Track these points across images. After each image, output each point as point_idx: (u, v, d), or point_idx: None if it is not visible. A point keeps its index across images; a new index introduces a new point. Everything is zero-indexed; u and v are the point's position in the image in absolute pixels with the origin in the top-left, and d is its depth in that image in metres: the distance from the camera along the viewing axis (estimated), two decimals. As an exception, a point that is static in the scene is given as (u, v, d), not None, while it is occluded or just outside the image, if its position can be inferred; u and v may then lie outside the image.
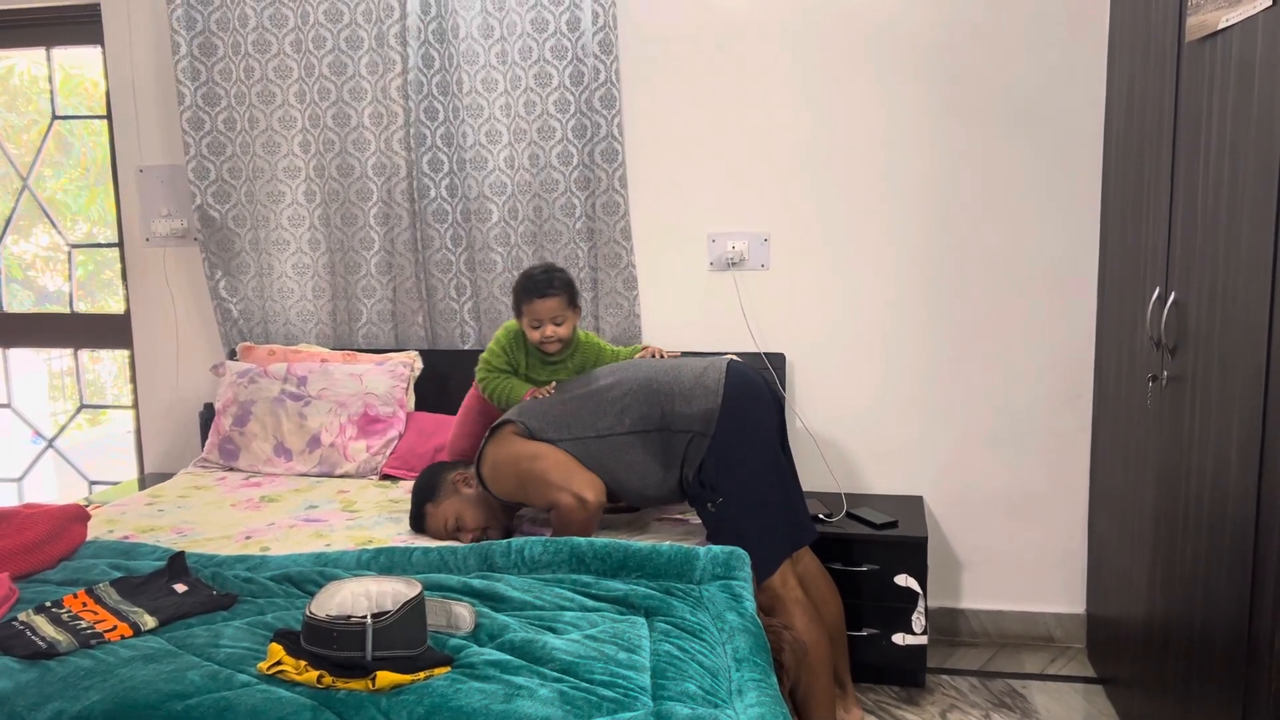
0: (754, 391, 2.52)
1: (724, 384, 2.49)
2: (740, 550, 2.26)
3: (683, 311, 3.45)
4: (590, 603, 2.03)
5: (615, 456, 2.51)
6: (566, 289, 2.68)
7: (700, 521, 2.57)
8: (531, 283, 2.66)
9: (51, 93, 3.96)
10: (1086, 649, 3.29)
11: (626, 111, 3.37)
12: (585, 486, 2.41)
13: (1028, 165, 3.19)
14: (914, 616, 2.98)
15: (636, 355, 2.85)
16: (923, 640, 2.99)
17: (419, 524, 2.65)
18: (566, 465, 2.46)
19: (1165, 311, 2.33)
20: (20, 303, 4.21)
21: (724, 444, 2.44)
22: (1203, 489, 2.13)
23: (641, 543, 2.28)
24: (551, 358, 2.75)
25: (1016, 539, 3.34)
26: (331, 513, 2.87)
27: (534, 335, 2.68)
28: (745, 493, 2.45)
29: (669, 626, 1.91)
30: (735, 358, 2.66)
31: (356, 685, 1.67)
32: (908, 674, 3.05)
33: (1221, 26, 2.00)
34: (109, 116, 3.79)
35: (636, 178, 3.41)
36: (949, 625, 3.42)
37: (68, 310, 4.11)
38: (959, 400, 3.33)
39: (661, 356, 2.82)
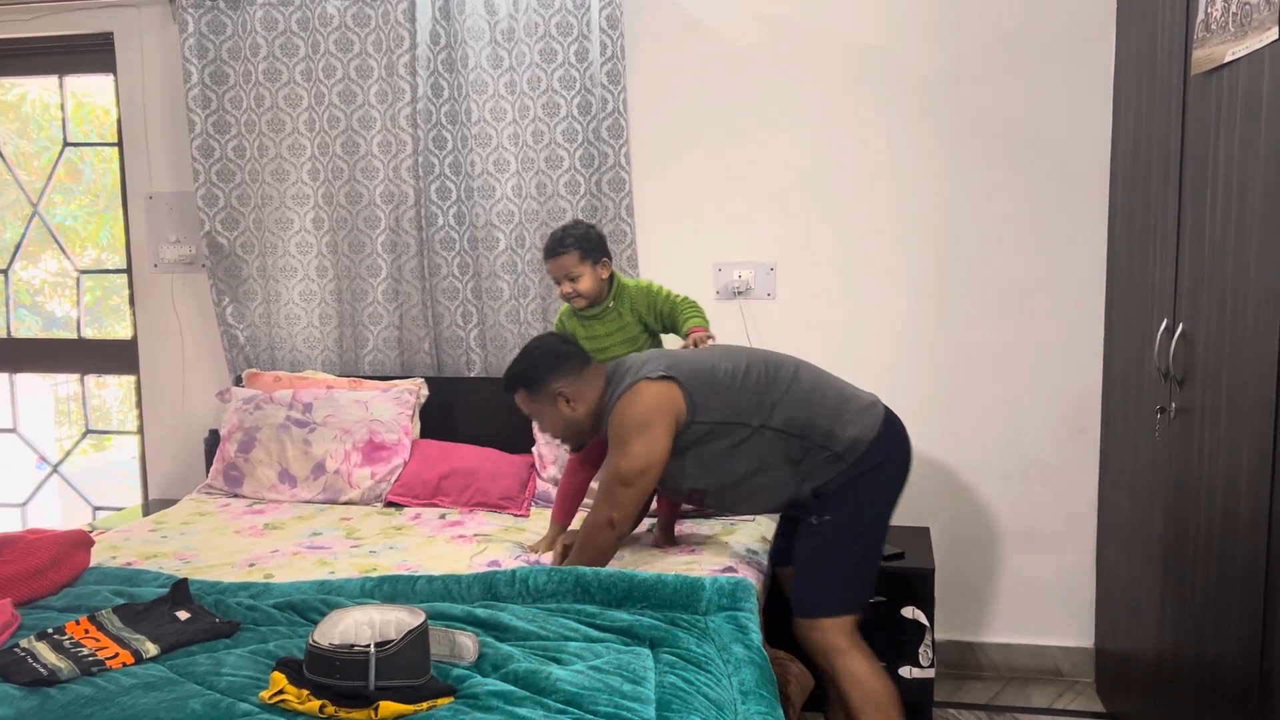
0: (902, 445, 2.46)
1: (882, 422, 2.41)
2: (746, 581, 2.24)
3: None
4: (595, 633, 2.02)
5: (750, 447, 2.38)
6: (579, 244, 2.73)
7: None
8: (547, 244, 2.77)
9: (63, 120, 3.99)
10: (1095, 683, 3.26)
11: (633, 141, 3.38)
12: (627, 518, 2.37)
13: (1034, 197, 3.20)
14: (921, 649, 2.96)
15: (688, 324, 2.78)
16: (930, 674, 2.96)
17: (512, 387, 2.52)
18: (644, 485, 2.36)
19: (1173, 343, 2.32)
20: (28, 328, 4.22)
21: (857, 475, 2.35)
22: (1212, 521, 2.12)
23: (647, 573, 2.26)
24: (585, 312, 2.77)
25: (1024, 571, 3.32)
26: (335, 540, 2.86)
27: (558, 292, 2.77)
28: (853, 525, 2.38)
29: (674, 658, 1.90)
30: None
31: (359, 715, 1.65)
32: (915, 708, 3.02)
33: (1228, 60, 2.01)
34: (120, 143, 3.81)
35: (643, 207, 3.42)
36: (956, 659, 3.39)
37: (75, 336, 4.12)
38: (966, 431, 3.32)
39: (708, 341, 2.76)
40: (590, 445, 2.67)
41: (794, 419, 2.36)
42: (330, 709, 1.66)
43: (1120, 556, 2.94)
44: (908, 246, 3.29)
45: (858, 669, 2.34)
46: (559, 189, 3.40)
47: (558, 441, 2.67)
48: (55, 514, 4.32)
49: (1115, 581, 3.01)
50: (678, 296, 2.83)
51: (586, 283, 2.73)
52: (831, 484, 2.35)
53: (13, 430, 4.25)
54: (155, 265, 3.82)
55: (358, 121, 3.49)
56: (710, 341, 2.68)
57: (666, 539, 2.78)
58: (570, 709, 1.67)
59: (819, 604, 2.37)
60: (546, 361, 2.47)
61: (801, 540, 2.43)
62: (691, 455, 2.39)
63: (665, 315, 2.81)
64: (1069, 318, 3.21)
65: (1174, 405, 2.35)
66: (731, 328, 3.40)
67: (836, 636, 2.35)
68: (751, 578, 2.37)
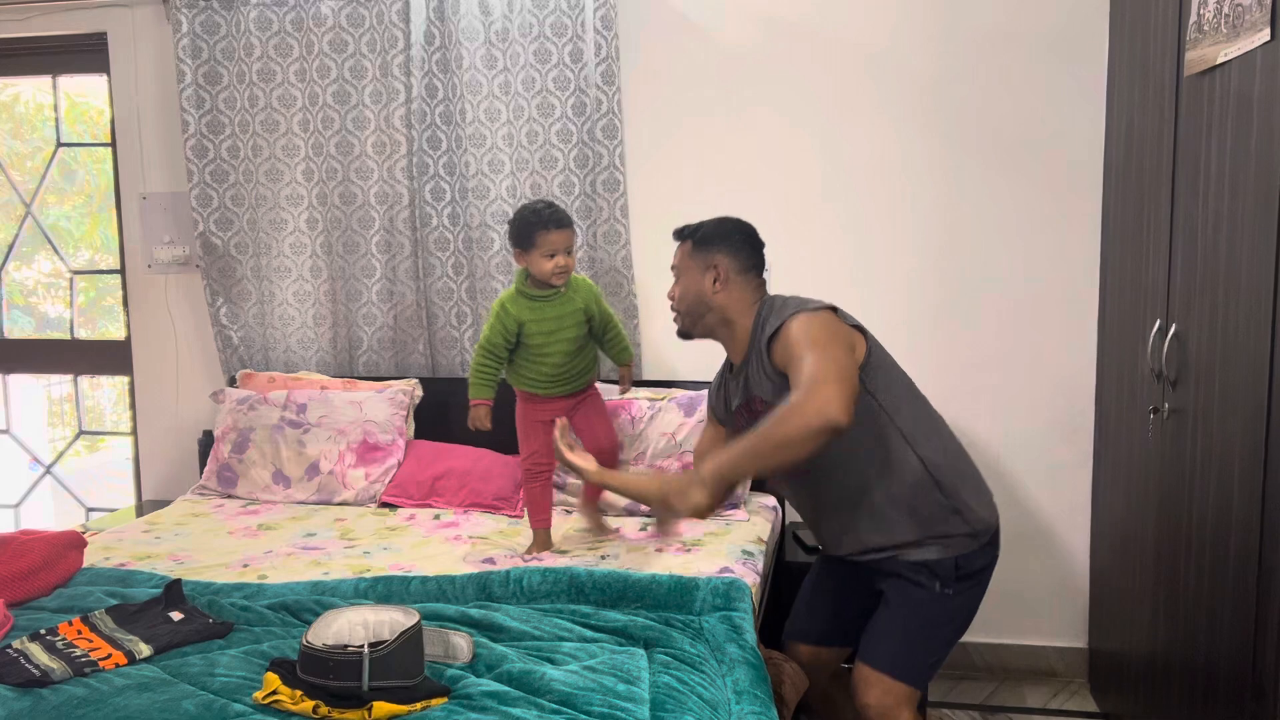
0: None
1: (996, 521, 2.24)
2: (741, 581, 2.23)
3: (684, 342, 3.44)
4: (589, 633, 2.02)
5: (890, 460, 2.15)
6: (573, 224, 2.75)
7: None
8: (546, 214, 2.67)
9: (57, 120, 3.98)
10: (1089, 683, 3.26)
11: (628, 142, 3.38)
12: (845, 403, 1.89)
13: (1028, 198, 3.21)
14: (915, 649, 2.95)
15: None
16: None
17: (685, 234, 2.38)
18: (852, 380, 1.95)
19: (1166, 344, 2.33)
20: (21, 329, 4.21)
21: (982, 567, 2.20)
22: (1205, 521, 2.12)
23: (641, 573, 2.26)
24: (554, 294, 2.73)
25: (1018, 572, 3.32)
26: (329, 541, 2.86)
27: (548, 265, 2.66)
28: (962, 614, 2.21)
29: (668, 658, 1.90)
30: None
31: (353, 715, 1.65)
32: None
33: (1220, 61, 2.02)
34: (113, 144, 3.81)
35: (638, 207, 3.42)
36: (951, 659, 3.38)
37: (69, 336, 4.11)
38: (960, 432, 3.31)
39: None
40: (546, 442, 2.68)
41: (944, 452, 2.19)
42: (324, 709, 1.66)
43: (1114, 556, 2.95)
44: (902, 248, 3.30)
45: None
46: (553, 190, 3.40)
47: (673, 316, 2.42)
48: (48, 515, 4.31)
49: (1109, 581, 3.02)
50: (610, 309, 2.91)
51: (574, 259, 2.75)
52: (972, 561, 2.16)
53: (6, 431, 4.24)
54: (149, 266, 3.81)
55: (352, 122, 3.49)
56: (625, 387, 2.89)
57: (593, 521, 2.86)
58: (564, 709, 1.67)
59: (905, 667, 2.17)
60: (731, 235, 2.32)
61: (909, 603, 2.18)
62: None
63: (599, 318, 2.85)
64: (1062, 318, 3.22)
65: (1167, 406, 2.35)
66: (726, 328, 3.40)
67: (903, 707, 2.17)
68: (747, 579, 2.37)
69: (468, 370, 3.50)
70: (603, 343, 2.91)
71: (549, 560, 2.60)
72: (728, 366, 2.39)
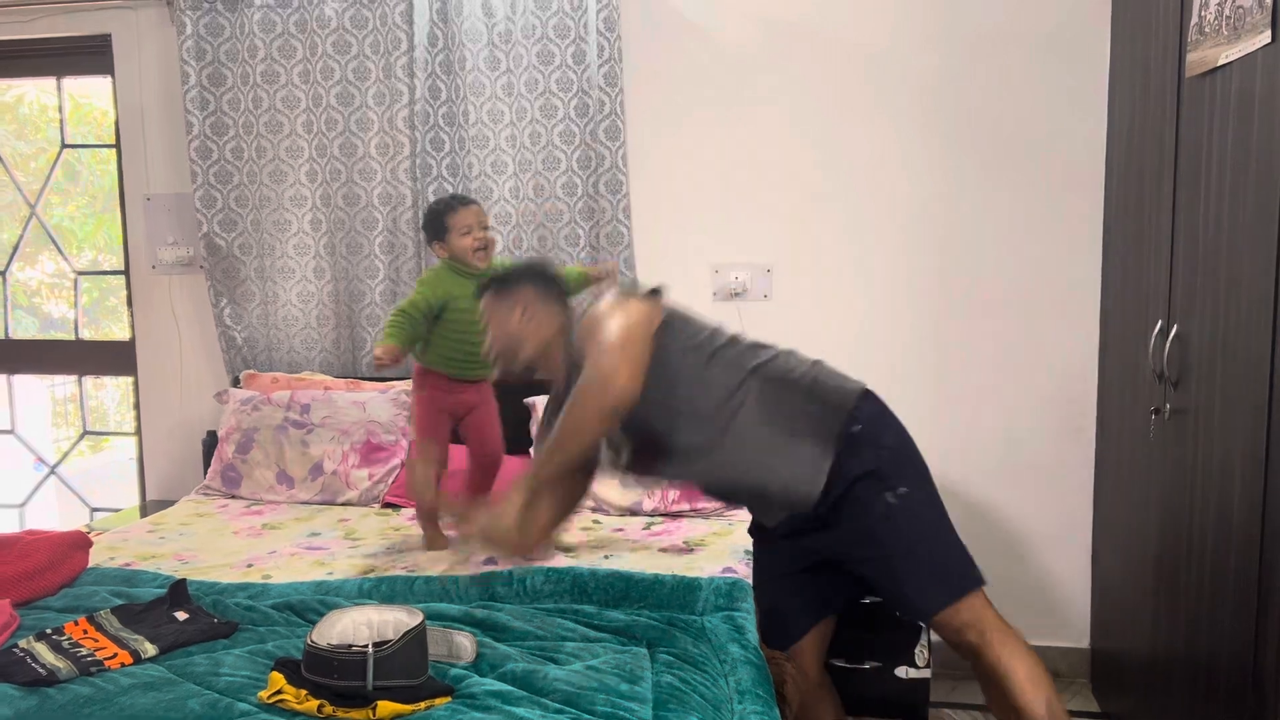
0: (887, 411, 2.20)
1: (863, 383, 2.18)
2: (744, 582, 2.23)
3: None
4: (592, 633, 2.02)
5: (729, 396, 2.07)
6: (479, 203, 2.82)
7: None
8: (450, 199, 2.79)
9: (61, 121, 4.00)
10: (1091, 683, 3.27)
11: (631, 143, 3.39)
12: (628, 379, 1.96)
13: (1029, 199, 3.21)
14: (917, 650, 2.96)
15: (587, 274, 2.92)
16: (926, 674, 2.97)
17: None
18: (636, 359, 1.99)
19: (1167, 344, 2.33)
20: (25, 329, 4.22)
21: (877, 423, 2.10)
22: (1206, 522, 2.13)
23: (644, 573, 2.27)
24: (474, 268, 2.74)
25: (1020, 573, 3.33)
26: (333, 541, 2.87)
27: (467, 242, 2.72)
28: (927, 488, 2.10)
29: (671, 658, 1.90)
30: None
31: (357, 715, 1.66)
32: (910, 708, 3.03)
33: (1221, 62, 2.02)
34: (118, 145, 3.82)
35: (640, 209, 3.43)
36: (952, 659, 3.38)
37: (73, 337, 4.12)
38: (962, 432, 3.33)
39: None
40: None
41: (777, 366, 2.12)
42: (328, 709, 1.67)
43: (1116, 557, 2.96)
44: (903, 249, 3.30)
45: (1019, 645, 2.06)
46: (556, 191, 3.41)
47: (491, 358, 2.37)
48: (53, 515, 4.32)
49: (1111, 581, 3.02)
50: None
51: (493, 235, 2.82)
52: (886, 449, 2.08)
53: (10, 431, 4.25)
54: (153, 266, 3.82)
55: (355, 123, 3.50)
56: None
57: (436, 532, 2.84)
58: (568, 708, 1.68)
59: (950, 585, 2.05)
60: (531, 271, 2.36)
61: (886, 528, 2.05)
62: (684, 403, 2.07)
63: None
64: (1064, 319, 3.22)
65: (1169, 406, 2.36)
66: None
67: (985, 611, 2.06)
68: (749, 578, 2.38)
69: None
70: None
71: (560, 560, 2.60)
72: (554, 398, 2.33)
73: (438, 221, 2.75)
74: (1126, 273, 2.83)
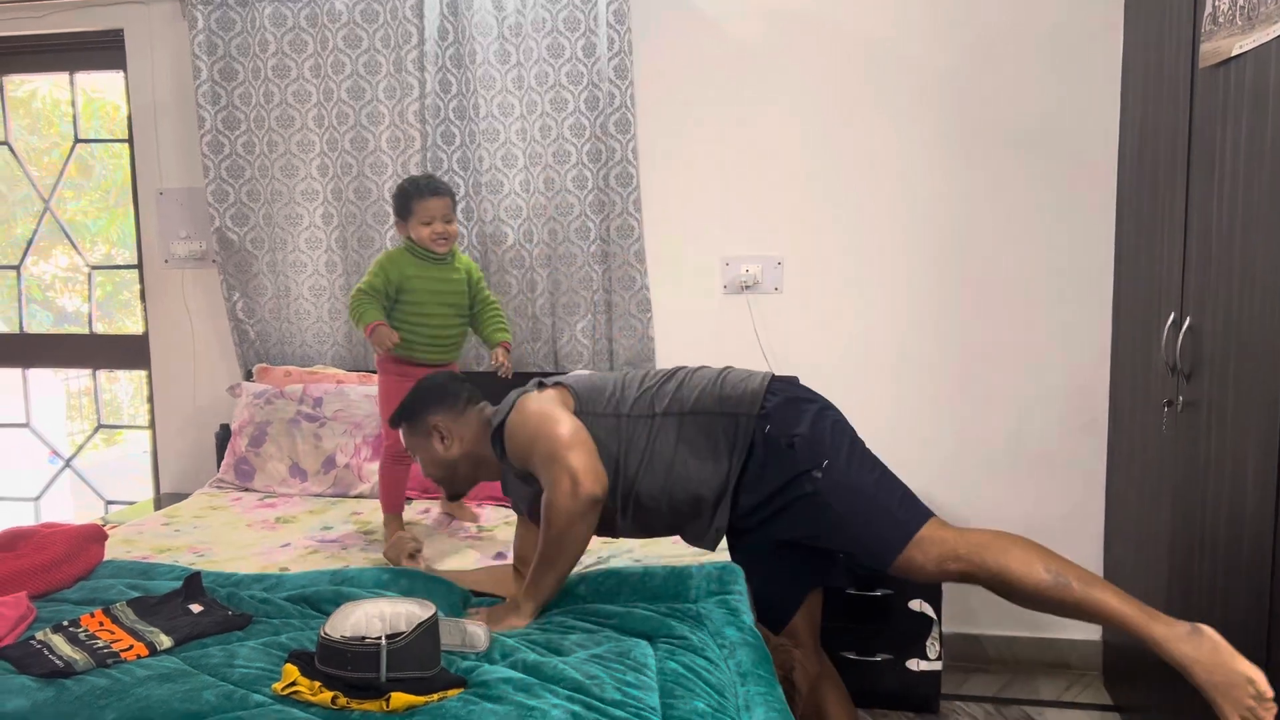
0: (807, 389, 2.29)
1: (770, 374, 2.26)
2: (732, 565, 2.23)
3: (696, 334, 3.46)
4: (592, 625, 2.03)
5: (648, 441, 2.19)
6: (451, 193, 2.84)
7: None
8: (422, 183, 2.79)
9: (74, 116, 4.01)
10: (1102, 676, 3.27)
11: (641, 136, 3.39)
12: (587, 472, 2.03)
13: (1041, 191, 3.20)
14: (928, 642, 2.97)
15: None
16: (937, 666, 2.98)
17: (396, 422, 2.44)
18: (583, 443, 2.09)
19: (1180, 336, 2.32)
20: (40, 323, 4.25)
21: (785, 415, 2.16)
22: (1219, 515, 2.12)
23: (634, 566, 2.28)
24: (440, 258, 2.80)
25: (1031, 564, 3.32)
26: (347, 534, 2.88)
27: (425, 232, 2.76)
28: (846, 451, 2.14)
29: (672, 646, 1.91)
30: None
31: (371, 706, 1.67)
32: (922, 700, 3.03)
33: (1235, 53, 2.01)
34: (130, 140, 3.83)
35: (651, 202, 3.43)
36: (964, 651, 3.40)
37: (87, 331, 4.15)
38: (972, 425, 3.32)
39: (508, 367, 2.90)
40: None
41: (682, 398, 2.21)
42: (342, 700, 1.68)
43: (1128, 549, 2.95)
44: (915, 240, 3.30)
45: (998, 542, 2.06)
46: (567, 184, 3.41)
47: (434, 485, 2.49)
48: (68, 508, 4.35)
49: (1123, 574, 3.02)
50: (490, 294, 2.99)
51: (455, 228, 2.83)
52: (774, 435, 2.13)
53: (26, 425, 4.28)
54: (166, 261, 3.84)
55: (366, 117, 3.51)
56: (507, 369, 2.88)
57: (447, 507, 3.00)
58: (578, 696, 1.68)
59: (900, 530, 2.09)
60: (429, 395, 2.40)
61: (818, 504, 2.11)
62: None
63: (477, 290, 2.92)
64: (1076, 311, 3.22)
65: (1181, 399, 2.35)
66: (738, 323, 3.42)
67: (948, 534, 2.08)
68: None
69: (481, 364, 3.52)
70: (479, 319, 2.94)
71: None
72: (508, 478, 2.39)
73: (406, 202, 2.79)
74: (1139, 265, 2.82)
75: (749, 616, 2.05)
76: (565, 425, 2.11)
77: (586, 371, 2.45)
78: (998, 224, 3.25)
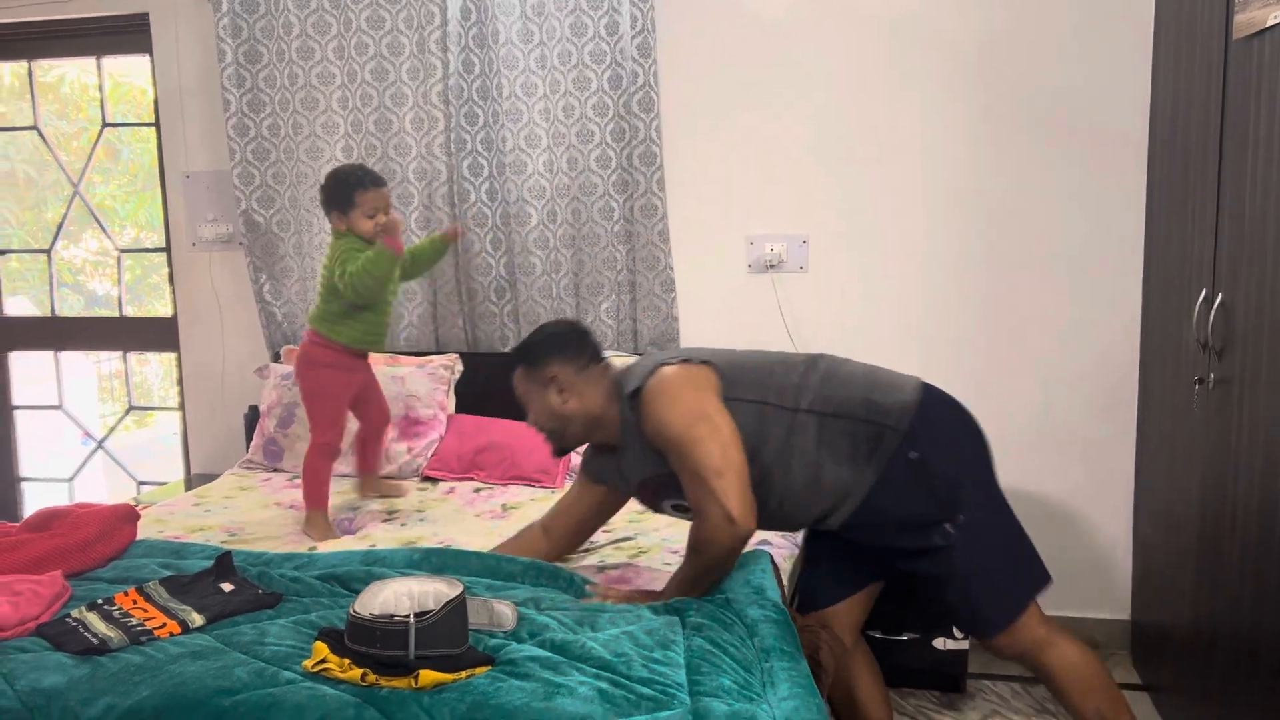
0: (957, 407, 2.20)
1: (923, 385, 2.18)
2: (759, 549, 2.23)
3: (721, 314, 3.45)
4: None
5: (787, 437, 2.08)
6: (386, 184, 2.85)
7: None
8: (361, 174, 2.77)
9: (101, 100, 4.04)
10: (1131, 655, 3.25)
11: (665, 115, 3.37)
12: (742, 506, 1.96)
13: (1070, 166, 3.16)
14: (955, 621, 2.96)
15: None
16: (964, 645, 2.97)
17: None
18: (735, 467, 1.99)
19: (1212, 313, 2.29)
20: (70, 306, 4.29)
21: (933, 443, 2.08)
22: (1250, 492, 2.10)
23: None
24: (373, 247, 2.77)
25: (1059, 544, 3.30)
26: (374, 514, 2.90)
27: (368, 226, 2.73)
28: (985, 508, 2.10)
29: (698, 623, 1.92)
30: None
31: (399, 683, 1.68)
32: (948, 679, 3.03)
33: (1270, 24, 1.97)
34: (157, 123, 3.86)
35: (675, 181, 3.41)
36: (990, 630, 3.38)
37: (117, 314, 4.19)
38: (999, 404, 3.29)
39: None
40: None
41: (828, 396, 2.11)
42: (371, 677, 1.69)
43: (1157, 528, 2.93)
44: (941, 218, 3.27)
45: (1070, 655, 2.14)
46: (590, 164, 3.40)
47: (542, 437, 2.33)
48: (101, 489, 4.41)
49: (1152, 553, 3.00)
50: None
51: (397, 217, 2.85)
52: (940, 480, 2.08)
53: (58, 407, 4.33)
54: (194, 244, 3.87)
55: (390, 99, 3.51)
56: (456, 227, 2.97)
57: (369, 490, 3.00)
58: (605, 674, 1.70)
59: (1002, 610, 2.12)
60: (553, 342, 2.25)
61: (938, 562, 2.10)
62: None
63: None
64: (1105, 288, 3.18)
65: (1212, 376, 2.32)
66: (764, 301, 3.40)
67: (1034, 631, 2.12)
68: (783, 548, 2.38)
69: (507, 345, 3.53)
70: (414, 262, 2.98)
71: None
72: (594, 453, 2.33)
73: (348, 194, 2.73)
74: (1170, 239, 2.78)
75: (773, 593, 2.05)
76: (718, 438, 2.00)
77: (718, 347, 2.32)
78: (1026, 200, 3.21)
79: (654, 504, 2.25)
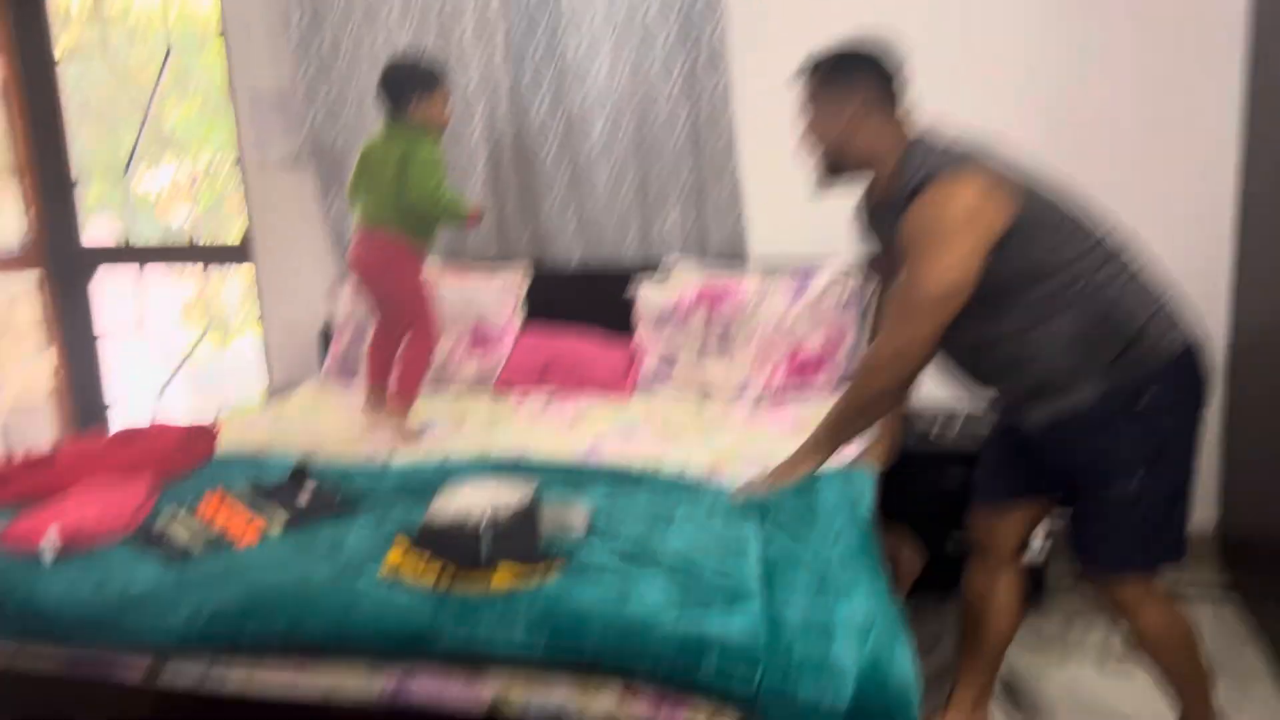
0: (1207, 381, 1.99)
1: (1195, 341, 1.96)
2: (860, 472, 2.19)
3: (791, 220, 3.36)
4: (708, 497, 2.04)
5: (1048, 314, 1.91)
6: None
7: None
8: (435, 70, 2.86)
9: (167, 27, 4.04)
10: (1220, 557, 3.16)
11: (731, 16, 3.26)
12: (925, 343, 1.88)
13: (1161, 49, 2.99)
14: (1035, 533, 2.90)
15: None
16: (1045, 554, 2.92)
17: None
18: (946, 301, 1.85)
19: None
20: (147, 235, 4.36)
21: (1170, 398, 1.92)
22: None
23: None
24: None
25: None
26: (446, 425, 2.93)
27: (445, 117, 2.88)
28: (1178, 472, 1.96)
29: (778, 526, 1.90)
30: None
31: (474, 585, 1.70)
32: (1027, 591, 2.98)
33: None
34: (225, 45, 3.83)
35: (741, 84, 3.31)
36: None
37: (191, 240, 4.24)
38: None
39: None
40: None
41: (1110, 298, 1.91)
42: (447, 578, 1.71)
43: (1249, 427, 2.82)
44: (1027, 115, 3.12)
45: (1163, 619, 2.02)
46: (654, 71, 3.31)
47: (807, 151, 2.14)
48: (182, 409, 4.53)
49: (1244, 451, 2.90)
50: None
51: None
52: (1158, 434, 1.92)
53: (141, 330, 4.43)
54: (264, 165, 3.87)
55: (449, 11, 3.44)
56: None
57: (378, 404, 2.93)
58: (678, 574, 1.69)
59: (1130, 563, 2.00)
60: (872, 63, 2.03)
61: (1108, 500, 1.97)
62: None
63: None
64: (1195, 198, 3.03)
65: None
66: (835, 204, 3.30)
67: (1141, 590, 2.01)
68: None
69: (573, 260, 3.49)
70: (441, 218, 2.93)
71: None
72: (865, 204, 2.18)
73: (429, 86, 2.81)
74: (1273, 142, 2.62)
75: (868, 499, 2.04)
76: (959, 267, 1.84)
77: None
78: (1110, 103, 3.05)
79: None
